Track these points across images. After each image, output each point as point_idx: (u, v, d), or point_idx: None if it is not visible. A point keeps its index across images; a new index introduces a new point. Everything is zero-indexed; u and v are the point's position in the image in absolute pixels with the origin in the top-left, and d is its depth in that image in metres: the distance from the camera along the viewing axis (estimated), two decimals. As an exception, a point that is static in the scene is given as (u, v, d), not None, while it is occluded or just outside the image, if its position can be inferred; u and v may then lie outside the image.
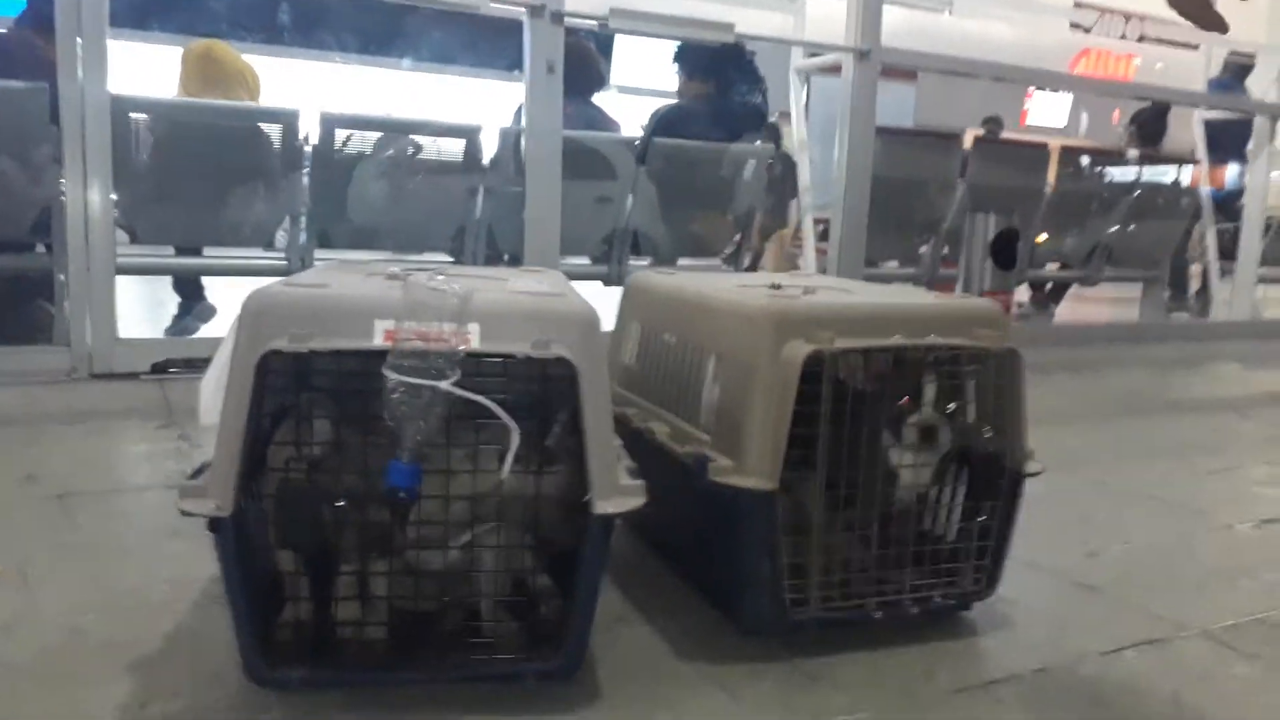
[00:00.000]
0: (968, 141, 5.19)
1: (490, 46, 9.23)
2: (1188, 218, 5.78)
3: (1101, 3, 12.54)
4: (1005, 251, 4.06)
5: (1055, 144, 5.13)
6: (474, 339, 1.07)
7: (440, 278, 1.34)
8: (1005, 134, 13.44)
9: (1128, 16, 12.87)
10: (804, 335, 1.27)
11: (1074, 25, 12.69)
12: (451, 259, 3.89)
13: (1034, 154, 4.81)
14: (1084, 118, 16.37)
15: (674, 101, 4.29)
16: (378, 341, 1.05)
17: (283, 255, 3.65)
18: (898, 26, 4.29)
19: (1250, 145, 5.63)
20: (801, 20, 4.00)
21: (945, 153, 4.63)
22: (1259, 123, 5.52)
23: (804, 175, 4.48)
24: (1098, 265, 5.37)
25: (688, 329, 1.50)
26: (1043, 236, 5.08)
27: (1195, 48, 6.65)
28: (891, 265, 4.71)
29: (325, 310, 1.08)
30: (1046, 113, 15.84)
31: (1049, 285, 5.80)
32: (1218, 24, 1.11)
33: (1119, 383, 3.89)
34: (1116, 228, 5.30)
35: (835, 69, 4.10)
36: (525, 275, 1.48)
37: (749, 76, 4.30)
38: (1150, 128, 6.29)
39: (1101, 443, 2.75)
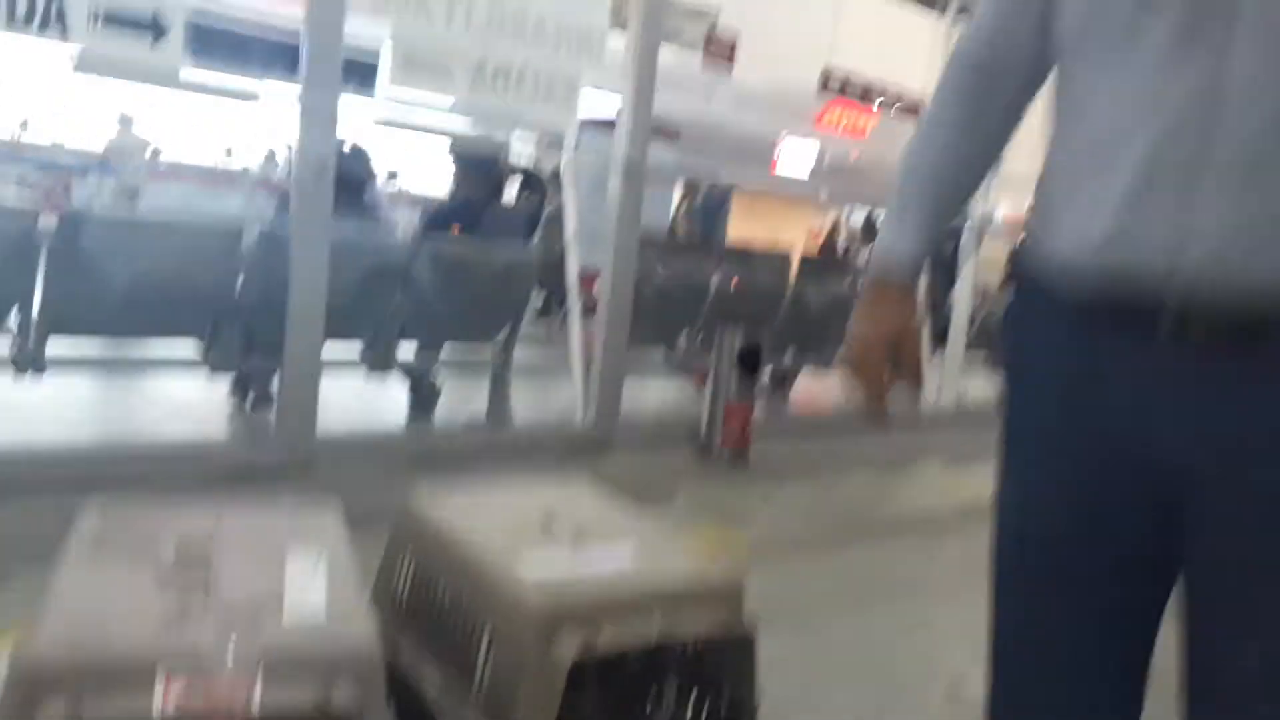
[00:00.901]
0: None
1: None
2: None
3: (847, 69, 13.68)
4: (750, 360, 4.41)
5: (797, 252, 5.59)
6: (256, 694, 1.11)
7: (213, 563, 1.36)
8: (753, 186, 14.34)
9: (867, 88, 14.13)
10: (571, 622, 1.40)
11: (823, 88, 13.77)
12: (205, 349, 3.75)
13: (779, 263, 5.24)
14: (823, 191, 17.75)
15: (448, 199, 4.33)
16: (158, 704, 1.08)
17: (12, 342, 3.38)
18: (668, 74, 4.44)
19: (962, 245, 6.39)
20: (573, 123, 4.12)
21: (703, 259, 4.96)
22: (967, 236, 6.27)
23: (571, 266, 4.63)
24: (830, 353, 5.89)
25: (460, 587, 1.59)
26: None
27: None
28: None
29: (103, 664, 1.09)
30: (794, 164, 17.02)
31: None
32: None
33: (841, 493, 4.28)
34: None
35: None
36: (300, 549, 1.48)
37: (528, 179, 4.41)
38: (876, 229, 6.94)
39: (822, 580, 3.07)
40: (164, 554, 1.35)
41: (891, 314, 1.17)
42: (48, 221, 3.25)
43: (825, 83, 13.39)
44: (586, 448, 4.26)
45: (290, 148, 4.67)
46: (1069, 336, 1.02)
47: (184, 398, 4.68)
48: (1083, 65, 1.02)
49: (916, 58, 9.43)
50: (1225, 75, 0.89)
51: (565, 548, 1.62)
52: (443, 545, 1.68)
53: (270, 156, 10.70)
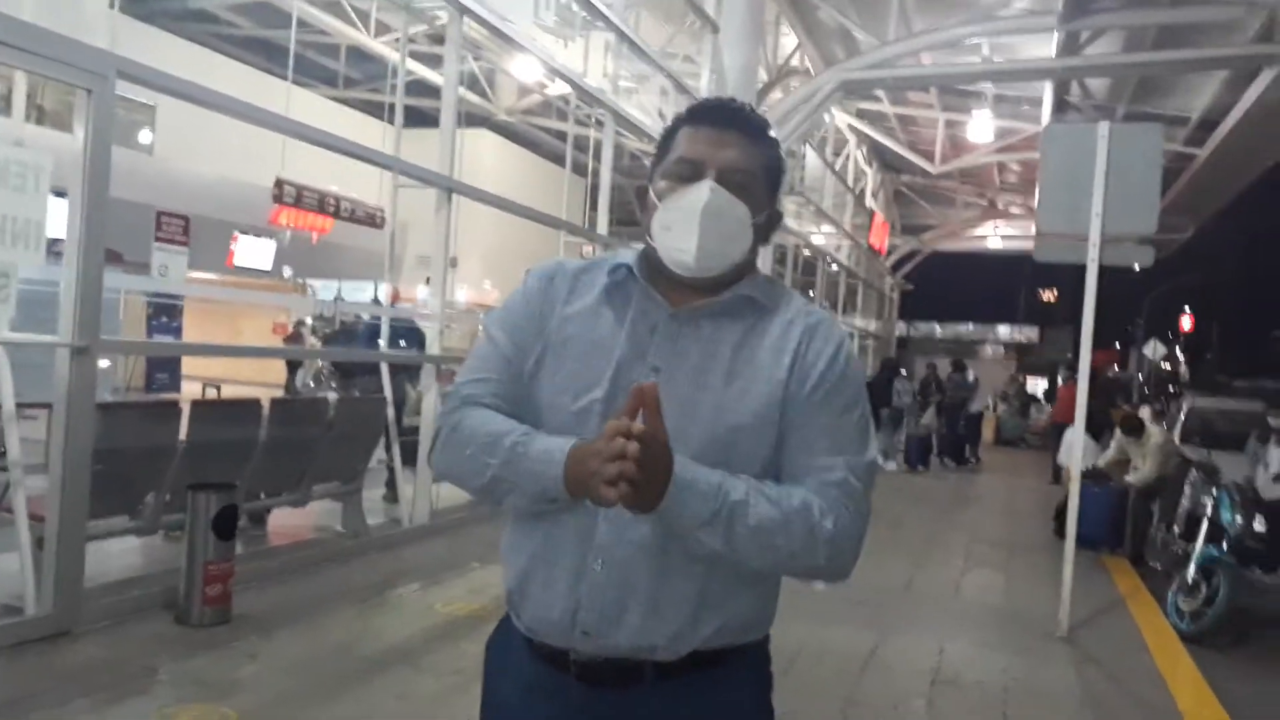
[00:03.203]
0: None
1: None
2: (381, 430, 6.88)
3: (301, 183, 13.87)
4: (226, 524, 4.49)
5: (266, 397, 5.75)
6: None
7: None
8: (206, 277, 13.90)
9: (323, 195, 14.45)
10: None
11: (276, 197, 13.77)
12: None
13: (248, 409, 5.36)
14: (286, 269, 17.80)
15: None
16: None
17: None
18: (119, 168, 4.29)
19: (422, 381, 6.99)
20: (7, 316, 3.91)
21: (164, 420, 4.92)
22: (427, 368, 6.90)
23: (13, 444, 4.33)
24: (307, 487, 6.09)
25: None
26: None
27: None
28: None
29: None
30: (252, 256, 16.82)
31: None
32: None
33: (328, 636, 4.50)
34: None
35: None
36: None
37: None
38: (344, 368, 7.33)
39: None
40: None
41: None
42: None
43: (279, 194, 13.48)
44: (43, 638, 4.01)
45: None
46: (523, 658, 1.50)
47: None
48: None
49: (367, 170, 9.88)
50: (599, 520, 1.40)
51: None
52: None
53: None
